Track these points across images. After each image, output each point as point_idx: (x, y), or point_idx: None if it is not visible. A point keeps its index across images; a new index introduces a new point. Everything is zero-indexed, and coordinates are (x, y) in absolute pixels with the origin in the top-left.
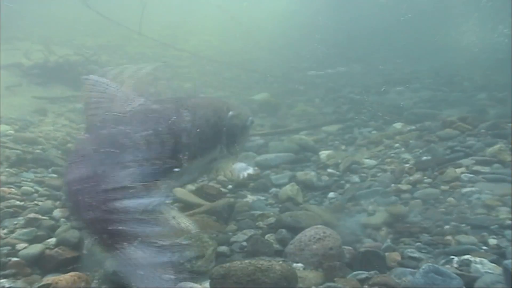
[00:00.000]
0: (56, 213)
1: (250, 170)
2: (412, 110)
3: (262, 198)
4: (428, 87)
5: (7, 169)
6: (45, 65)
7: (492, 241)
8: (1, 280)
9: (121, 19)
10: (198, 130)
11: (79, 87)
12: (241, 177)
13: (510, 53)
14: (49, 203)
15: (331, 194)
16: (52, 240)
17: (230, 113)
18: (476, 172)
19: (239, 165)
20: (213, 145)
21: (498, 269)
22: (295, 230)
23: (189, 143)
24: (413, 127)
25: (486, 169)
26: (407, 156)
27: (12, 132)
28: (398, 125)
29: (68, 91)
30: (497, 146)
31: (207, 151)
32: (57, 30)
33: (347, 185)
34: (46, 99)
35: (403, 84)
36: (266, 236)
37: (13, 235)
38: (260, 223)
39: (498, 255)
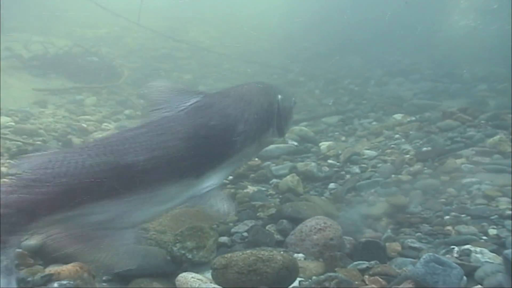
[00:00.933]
0: None
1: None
2: (412, 101)
3: (263, 189)
4: (428, 78)
5: (8, 161)
6: (45, 57)
7: (492, 231)
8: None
9: (120, 11)
10: (255, 116)
11: (79, 78)
12: None
13: (510, 44)
14: None
15: (331, 185)
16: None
17: (279, 96)
18: (476, 163)
19: None
20: (267, 129)
21: (498, 259)
22: (295, 220)
23: (246, 130)
24: (413, 118)
25: (486, 159)
26: (407, 147)
27: (12, 123)
28: (398, 116)
29: (68, 82)
30: (497, 137)
31: (262, 135)
32: (56, 21)
33: (348, 176)
34: (46, 91)
35: (403, 75)
36: (267, 227)
37: None
38: (261, 214)
39: (498, 245)
